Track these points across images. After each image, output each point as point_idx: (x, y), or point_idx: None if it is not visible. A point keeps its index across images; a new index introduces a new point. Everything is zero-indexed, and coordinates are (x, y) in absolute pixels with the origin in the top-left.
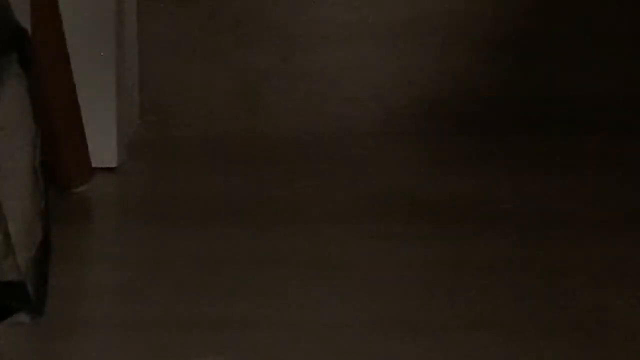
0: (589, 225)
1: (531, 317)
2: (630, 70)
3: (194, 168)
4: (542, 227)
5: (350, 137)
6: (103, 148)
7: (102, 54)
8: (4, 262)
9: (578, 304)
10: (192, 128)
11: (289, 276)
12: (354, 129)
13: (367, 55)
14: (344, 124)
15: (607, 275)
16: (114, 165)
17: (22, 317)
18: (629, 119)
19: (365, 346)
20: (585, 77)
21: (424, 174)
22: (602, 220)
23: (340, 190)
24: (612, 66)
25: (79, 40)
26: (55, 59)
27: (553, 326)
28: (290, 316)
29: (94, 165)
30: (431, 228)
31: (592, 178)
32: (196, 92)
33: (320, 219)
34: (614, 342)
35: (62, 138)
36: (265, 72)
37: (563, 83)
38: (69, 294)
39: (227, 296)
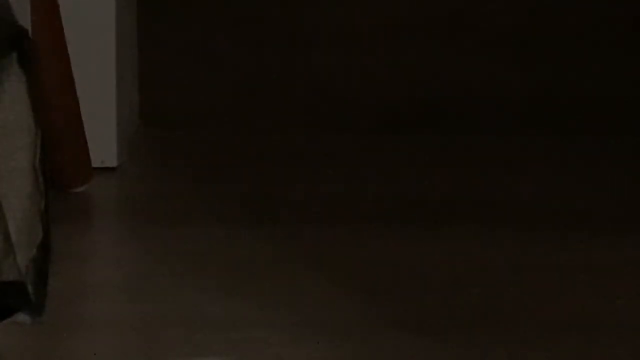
0: (590, 225)
1: (532, 317)
2: (631, 70)
3: (194, 168)
4: (542, 227)
5: (350, 137)
6: (103, 148)
7: (102, 53)
8: (4, 262)
9: (578, 303)
10: (192, 128)
11: (289, 276)
12: (354, 129)
13: (367, 55)
14: (344, 124)
15: (607, 275)
16: (114, 165)
17: (22, 317)
18: (629, 119)
19: (366, 346)
20: (586, 77)
21: (424, 174)
22: (602, 220)
23: (340, 190)
24: (613, 66)
25: (79, 40)
26: (55, 59)
27: (553, 325)
28: (290, 316)
29: (94, 165)
30: (431, 228)
31: (592, 178)
32: (196, 92)
33: (320, 219)
34: (615, 341)
35: (62, 138)
36: (266, 72)
37: (563, 83)
38: (69, 294)
39: (227, 296)
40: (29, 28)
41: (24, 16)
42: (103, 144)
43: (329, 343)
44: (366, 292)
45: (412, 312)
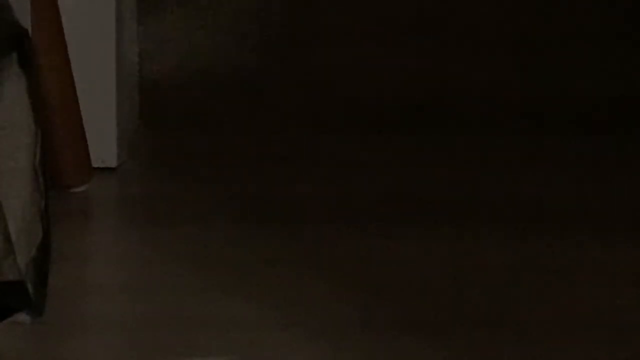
0: (589, 225)
1: (532, 317)
2: (630, 70)
3: (194, 168)
4: (542, 227)
5: (350, 137)
6: (103, 148)
7: (102, 53)
8: (4, 262)
9: (578, 303)
10: (192, 128)
11: (289, 276)
12: (354, 129)
13: (367, 55)
14: (344, 124)
15: (607, 275)
16: (114, 165)
17: (22, 317)
18: (629, 119)
19: (366, 346)
20: (585, 77)
21: (424, 174)
22: (602, 220)
23: (340, 190)
24: (612, 66)
25: (79, 40)
26: (55, 59)
27: (553, 325)
28: (290, 316)
29: (94, 165)
30: (431, 228)
31: (592, 178)
32: (196, 92)
33: (321, 219)
34: (615, 341)
35: (62, 138)
36: (266, 72)
37: (563, 83)
38: (69, 294)
39: (227, 296)
40: (29, 28)
41: (24, 16)
42: (103, 144)
43: (329, 343)
44: (366, 292)
45: (412, 312)
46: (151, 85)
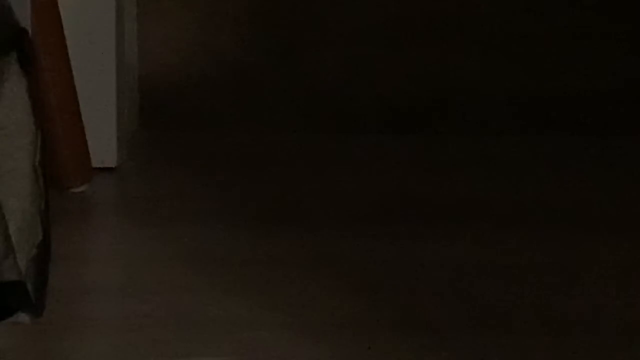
0: (589, 225)
1: (532, 316)
2: (630, 70)
3: (194, 168)
4: (542, 227)
5: (351, 137)
6: (103, 148)
7: (102, 53)
8: (4, 262)
9: (578, 303)
10: (192, 128)
11: (289, 276)
12: (354, 129)
13: (367, 55)
14: (344, 124)
15: (607, 275)
16: (114, 165)
17: (22, 317)
18: (630, 119)
19: (365, 346)
20: (585, 77)
21: (424, 174)
22: (602, 220)
23: (340, 190)
24: (612, 66)
25: (79, 40)
26: (55, 59)
27: (554, 326)
28: (290, 316)
29: (94, 165)
30: (431, 228)
31: (591, 178)
32: (196, 92)
33: (321, 219)
34: (615, 342)
35: (62, 138)
36: (266, 72)
37: (562, 83)
38: (69, 294)
39: (227, 296)
40: (29, 28)
41: (24, 16)
42: (103, 144)
43: (329, 343)
44: (366, 292)
45: (412, 312)
46: (151, 85)
